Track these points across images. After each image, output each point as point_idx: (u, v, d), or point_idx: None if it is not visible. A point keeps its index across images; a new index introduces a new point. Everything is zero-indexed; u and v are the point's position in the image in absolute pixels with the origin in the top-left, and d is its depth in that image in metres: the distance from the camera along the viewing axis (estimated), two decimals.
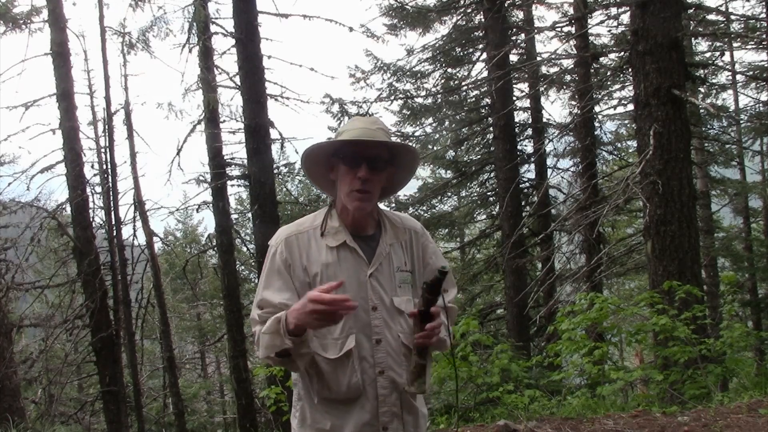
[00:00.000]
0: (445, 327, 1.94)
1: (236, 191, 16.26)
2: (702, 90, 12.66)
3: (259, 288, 1.94)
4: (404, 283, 1.97)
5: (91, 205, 10.12)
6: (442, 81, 13.12)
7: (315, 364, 1.87)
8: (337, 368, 1.86)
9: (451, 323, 2.07)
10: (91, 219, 10.06)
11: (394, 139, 2.03)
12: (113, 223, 10.59)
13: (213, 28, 9.58)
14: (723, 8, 12.71)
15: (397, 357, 1.91)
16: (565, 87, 12.97)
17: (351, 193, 1.89)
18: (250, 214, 10.41)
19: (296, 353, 1.78)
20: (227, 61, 17.91)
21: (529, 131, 13.67)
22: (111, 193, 10.58)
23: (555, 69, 12.52)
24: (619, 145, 14.20)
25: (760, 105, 13.38)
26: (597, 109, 11.75)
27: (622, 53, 8.65)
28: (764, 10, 12.22)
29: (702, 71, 10.85)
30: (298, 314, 1.71)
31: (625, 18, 8.81)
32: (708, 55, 13.14)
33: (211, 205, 9.85)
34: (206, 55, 9.32)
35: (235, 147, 15.12)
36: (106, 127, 10.65)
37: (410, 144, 1.97)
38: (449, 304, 2.05)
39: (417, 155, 2.09)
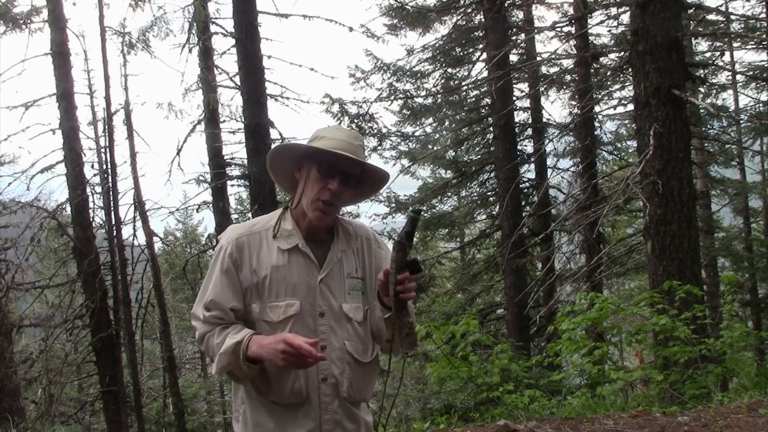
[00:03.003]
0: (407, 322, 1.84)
1: (236, 191, 16.21)
2: (702, 90, 12.66)
3: (205, 285, 1.93)
4: (354, 289, 1.96)
5: (91, 205, 10.10)
6: (442, 81, 13.11)
7: (261, 368, 1.87)
8: (281, 372, 1.85)
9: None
10: (91, 219, 10.04)
11: (368, 153, 2.05)
12: (113, 223, 10.57)
13: (213, 28, 9.59)
14: (723, 8, 12.72)
15: (340, 364, 1.90)
16: (565, 87, 12.95)
17: (316, 202, 1.88)
18: (250, 214, 10.41)
19: (246, 375, 1.84)
20: (227, 61, 17.87)
21: (529, 131, 13.66)
22: (111, 193, 10.56)
23: (555, 69, 12.51)
24: (619, 145, 14.18)
25: (760, 105, 13.36)
26: (597, 109, 11.74)
27: (622, 53, 8.65)
28: (764, 10, 12.21)
29: (702, 71, 10.86)
30: (268, 350, 1.75)
31: (625, 18, 8.81)
32: (708, 55, 13.14)
33: (211, 205, 9.85)
34: (206, 55, 9.32)
35: (235, 147, 15.05)
36: (106, 127, 10.62)
37: (384, 170, 1.99)
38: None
39: (387, 180, 2.06)
